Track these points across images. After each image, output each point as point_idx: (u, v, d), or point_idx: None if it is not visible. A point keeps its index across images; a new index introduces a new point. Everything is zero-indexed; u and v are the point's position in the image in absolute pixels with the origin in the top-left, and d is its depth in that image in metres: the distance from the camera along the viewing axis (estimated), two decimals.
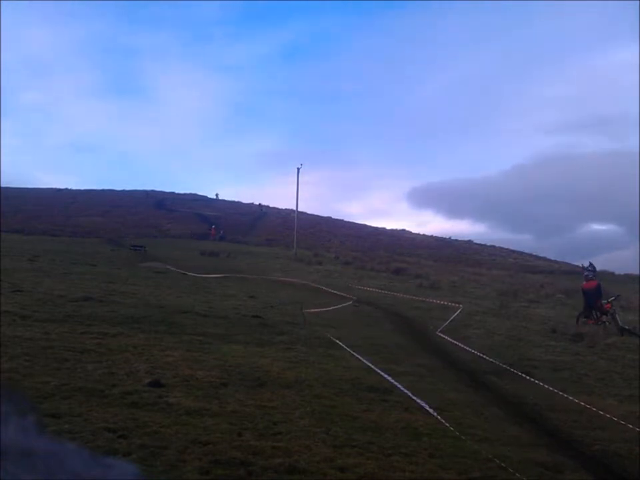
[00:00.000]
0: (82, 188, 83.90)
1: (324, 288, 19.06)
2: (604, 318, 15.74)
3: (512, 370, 8.85)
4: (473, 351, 10.41)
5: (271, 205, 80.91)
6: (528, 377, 8.48)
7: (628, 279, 35.94)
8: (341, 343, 10.20)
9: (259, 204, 79.06)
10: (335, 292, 18.44)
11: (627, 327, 14.93)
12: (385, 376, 7.92)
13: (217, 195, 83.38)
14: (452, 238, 76.03)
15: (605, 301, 16.01)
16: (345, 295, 18.07)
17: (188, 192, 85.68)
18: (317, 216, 76.24)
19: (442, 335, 12.18)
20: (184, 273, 22.05)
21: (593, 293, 15.97)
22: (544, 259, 62.90)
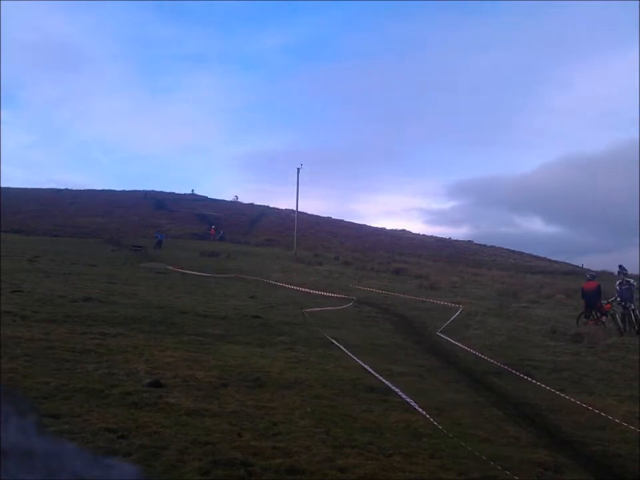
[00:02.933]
0: (82, 188, 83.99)
1: (317, 292, 19.05)
2: (603, 318, 15.76)
3: (512, 370, 8.85)
4: (473, 351, 10.41)
5: (270, 206, 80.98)
6: (528, 378, 8.48)
7: (618, 272, 35.87)
8: (340, 344, 10.20)
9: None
10: (334, 294, 18.44)
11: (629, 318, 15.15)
12: (385, 376, 7.92)
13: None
14: (452, 238, 76.10)
15: (605, 302, 16.03)
16: (344, 295, 18.07)
17: (188, 192, 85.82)
18: (317, 216, 76.28)
19: (442, 335, 12.18)
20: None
21: (593, 293, 15.99)
22: (544, 259, 62.95)
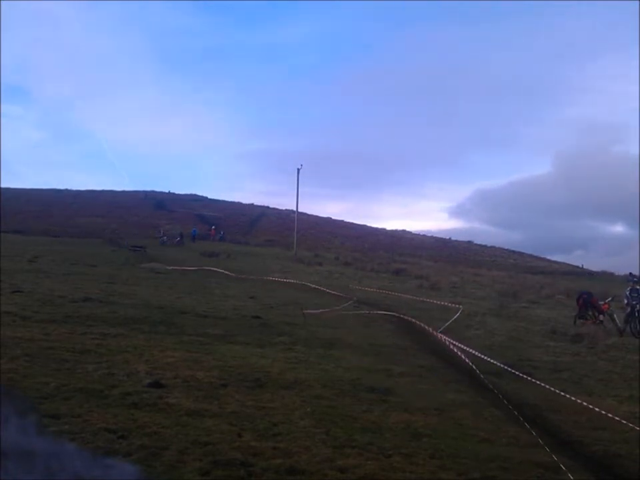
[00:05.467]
0: (82, 188, 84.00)
1: (321, 288, 19.04)
2: (601, 317, 15.75)
3: (512, 370, 8.84)
4: (473, 351, 10.40)
5: (270, 206, 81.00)
6: (528, 378, 8.47)
7: (628, 279, 35.92)
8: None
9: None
10: (335, 292, 18.43)
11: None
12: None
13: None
14: (452, 238, 76.07)
15: (602, 302, 16.05)
16: (344, 295, 18.06)
17: (188, 192, 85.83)
18: (317, 217, 76.28)
19: (442, 336, 12.17)
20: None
21: (587, 292, 16.10)
22: (544, 259, 62.97)
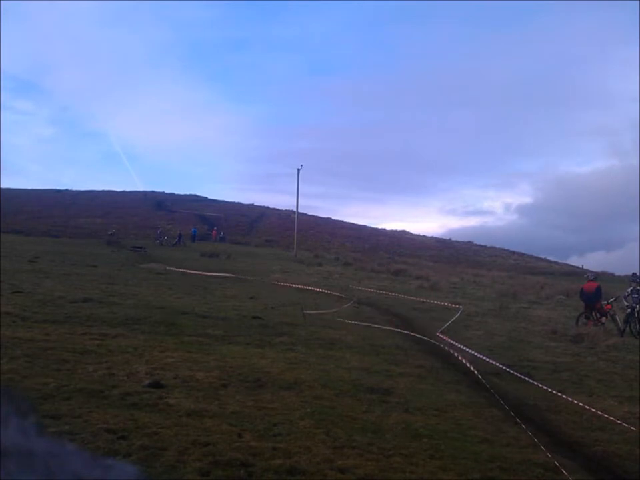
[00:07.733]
0: (82, 189, 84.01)
1: (319, 290, 19.04)
2: (603, 319, 15.74)
3: (512, 371, 8.84)
4: (473, 352, 10.40)
5: (270, 207, 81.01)
6: (528, 378, 8.47)
7: (628, 279, 35.90)
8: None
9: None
10: (335, 294, 18.42)
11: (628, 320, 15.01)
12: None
13: None
14: (452, 239, 76.08)
15: (605, 302, 16.02)
16: (344, 296, 18.07)
17: (188, 193, 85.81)
18: (317, 217, 76.28)
19: (442, 336, 12.17)
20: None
21: (593, 294, 15.96)
22: (544, 259, 62.97)
